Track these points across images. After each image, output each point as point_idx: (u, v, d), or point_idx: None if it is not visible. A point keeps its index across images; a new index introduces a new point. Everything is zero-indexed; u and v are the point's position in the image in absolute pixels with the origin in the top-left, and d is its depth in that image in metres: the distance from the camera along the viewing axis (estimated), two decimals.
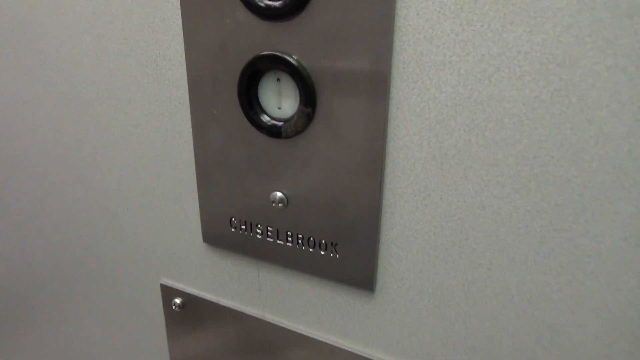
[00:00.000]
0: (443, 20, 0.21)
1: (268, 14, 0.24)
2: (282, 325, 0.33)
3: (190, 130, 0.30)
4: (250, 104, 0.26)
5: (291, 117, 0.26)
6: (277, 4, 0.24)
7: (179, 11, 0.28)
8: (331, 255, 0.28)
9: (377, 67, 0.23)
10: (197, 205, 0.32)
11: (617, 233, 0.21)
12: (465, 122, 0.23)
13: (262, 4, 0.24)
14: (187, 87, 0.29)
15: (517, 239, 0.23)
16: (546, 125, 0.21)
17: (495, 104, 0.22)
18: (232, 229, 0.31)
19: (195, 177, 0.32)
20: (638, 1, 0.18)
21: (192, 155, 0.31)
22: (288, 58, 0.25)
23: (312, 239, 0.29)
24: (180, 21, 0.28)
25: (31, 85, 0.37)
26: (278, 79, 0.26)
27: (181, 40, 0.28)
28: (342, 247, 0.28)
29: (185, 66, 0.29)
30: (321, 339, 0.31)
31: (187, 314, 0.36)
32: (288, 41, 0.24)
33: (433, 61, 0.22)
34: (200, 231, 0.33)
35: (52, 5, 0.33)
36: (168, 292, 0.37)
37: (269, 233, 0.30)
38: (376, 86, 0.23)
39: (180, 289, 0.36)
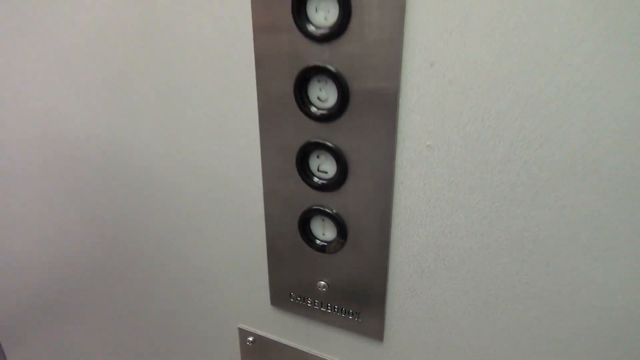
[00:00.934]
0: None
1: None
2: (320, 356, 0.50)
3: (265, 243, 0.48)
4: (306, 234, 0.44)
5: (332, 241, 0.43)
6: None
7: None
8: (355, 319, 0.46)
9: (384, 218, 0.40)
10: (267, 283, 0.50)
11: None
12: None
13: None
14: (264, 225, 0.47)
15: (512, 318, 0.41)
16: None
17: None
18: (291, 300, 0.48)
19: (267, 263, 0.49)
20: None
21: (265, 243, 0.48)
22: (328, 210, 0.42)
23: (343, 309, 0.46)
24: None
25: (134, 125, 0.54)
26: (323, 219, 0.43)
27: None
28: (363, 315, 0.45)
29: (262, 189, 0.46)
30: None
31: (257, 347, 0.54)
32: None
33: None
34: (269, 298, 0.50)
35: None
36: (244, 333, 0.54)
37: (315, 304, 0.47)
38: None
39: (253, 331, 0.54)
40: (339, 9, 0.34)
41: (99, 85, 0.48)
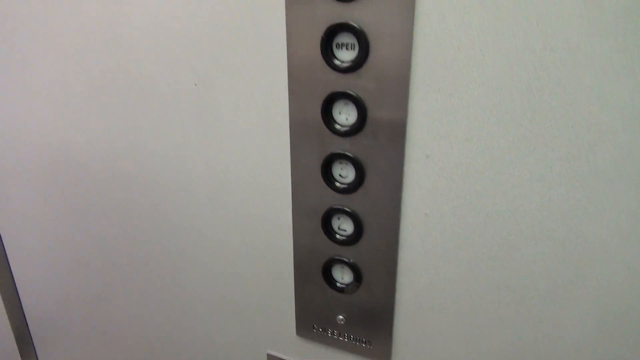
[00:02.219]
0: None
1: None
2: None
3: (293, 284, 0.58)
4: (328, 278, 0.55)
5: (349, 284, 0.54)
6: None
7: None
8: (368, 346, 0.57)
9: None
10: (294, 316, 0.60)
11: None
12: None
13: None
14: (292, 262, 0.57)
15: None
16: None
17: None
18: (314, 330, 0.59)
19: (294, 299, 0.60)
20: None
21: (293, 284, 0.59)
22: (346, 260, 0.53)
23: (357, 337, 0.57)
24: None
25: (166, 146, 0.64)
26: (342, 267, 0.54)
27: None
28: (374, 342, 0.56)
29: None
30: None
31: None
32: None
33: None
34: (295, 329, 0.61)
35: None
36: (272, 359, 0.65)
37: (334, 334, 0.58)
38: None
39: (280, 357, 0.64)
40: (357, 113, 0.45)
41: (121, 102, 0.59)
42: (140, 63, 0.54)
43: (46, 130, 0.64)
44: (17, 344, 0.84)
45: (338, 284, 0.55)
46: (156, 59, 0.53)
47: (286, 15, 0.45)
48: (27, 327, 0.86)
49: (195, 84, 0.52)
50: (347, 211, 0.50)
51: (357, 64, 0.44)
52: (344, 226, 0.52)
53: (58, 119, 0.63)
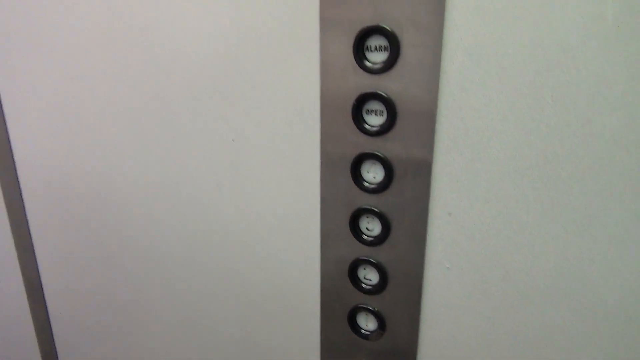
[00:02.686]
0: None
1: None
2: None
3: (318, 335, 0.61)
4: (354, 326, 0.58)
5: (373, 332, 0.57)
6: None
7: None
8: None
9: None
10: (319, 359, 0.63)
11: None
12: None
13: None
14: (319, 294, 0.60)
15: None
16: None
17: None
18: None
19: (319, 336, 0.62)
20: None
21: (319, 335, 0.62)
22: (371, 308, 0.56)
23: None
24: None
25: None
26: (367, 315, 0.57)
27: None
28: None
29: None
30: None
31: None
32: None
33: None
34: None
35: None
36: None
37: None
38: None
39: None
40: (385, 172, 0.49)
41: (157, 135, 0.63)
42: (184, 119, 0.59)
43: (88, 165, 0.69)
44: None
45: (363, 331, 0.58)
46: (198, 116, 0.57)
47: (320, 84, 0.49)
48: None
49: (233, 139, 0.57)
50: (372, 262, 0.53)
51: (384, 129, 0.48)
52: (370, 276, 0.55)
53: (100, 158, 0.67)
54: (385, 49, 0.46)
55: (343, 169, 0.51)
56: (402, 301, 0.54)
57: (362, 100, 0.48)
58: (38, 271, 0.83)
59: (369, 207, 0.51)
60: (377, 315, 0.55)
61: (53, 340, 0.87)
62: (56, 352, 0.88)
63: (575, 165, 0.42)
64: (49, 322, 0.86)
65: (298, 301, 0.61)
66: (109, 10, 0.58)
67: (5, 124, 0.73)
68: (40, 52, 0.65)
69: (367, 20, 0.45)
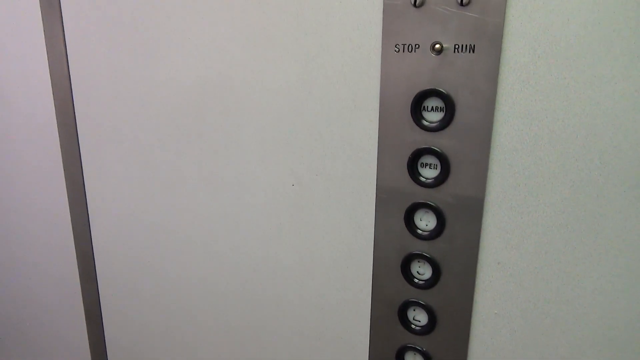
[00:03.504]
0: None
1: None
2: None
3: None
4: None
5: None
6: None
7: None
8: None
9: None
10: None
11: None
12: None
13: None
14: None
15: None
16: None
17: None
18: None
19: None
20: None
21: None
22: (418, 347, 0.58)
23: None
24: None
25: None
26: (414, 354, 0.60)
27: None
28: None
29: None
30: None
31: None
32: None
33: None
34: None
35: None
36: None
37: None
38: None
39: None
40: (437, 221, 0.53)
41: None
42: (252, 164, 0.64)
43: (154, 200, 0.75)
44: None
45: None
46: (263, 162, 0.62)
47: (378, 139, 0.54)
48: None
49: (293, 184, 0.62)
50: (422, 304, 0.57)
51: (438, 181, 0.52)
52: (419, 317, 0.58)
53: (168, 194, 0.73)
54: (441, 109, 0.50)
55: (397, 216, 0.55)
56: (449, 344, 0.56)
57: (417, 154, 0.52)
58: (99, 300, 0.89)
59: (420, 253, 0.55)
60: (425, 355, 0.58)
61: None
62: None
63: (624, 224, 0.44)
64: (105, 347, 0.91)
65: (348, 337, 0.64)
66: (188, 69, 0.64)
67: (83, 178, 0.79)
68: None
69: (425, 83, 0.50)
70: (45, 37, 0.75)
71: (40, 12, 0.74)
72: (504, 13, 0.45)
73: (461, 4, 0.46)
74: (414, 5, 0.48)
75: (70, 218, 0.83)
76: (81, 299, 0.89)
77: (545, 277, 0.49)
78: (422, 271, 0.56)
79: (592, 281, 0.47)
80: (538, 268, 0.49)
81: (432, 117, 0.51)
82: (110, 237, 0.81)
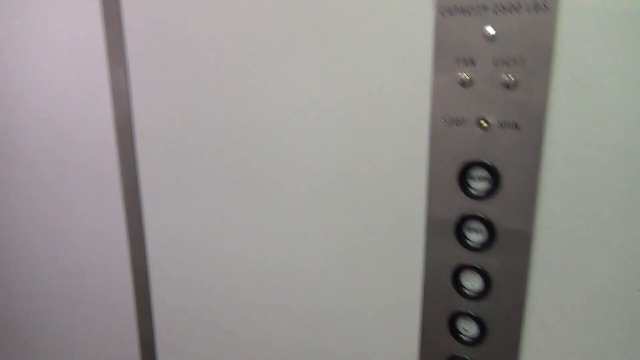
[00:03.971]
0: None
1: None
2: None
3: None
4: None
5: None
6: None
7: None
8: None
9: None
10: None
11: None
12: None
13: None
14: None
15: None
16: None
17: None
18: None
19: None
20: None
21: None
22: None
23: None
24: None
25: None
26: None
27: None
28: None
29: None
30: None
31: None
32: None
33: None
34: None
35: None
36: None
37: None
38: None
39: None
40: (482, 283, 0.55)
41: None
42: (303, 219, 0.68)
43: (208, 245, 0.80)
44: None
45: None
46: (313, 220, 0.67)
47: (427, 206, 0.57)
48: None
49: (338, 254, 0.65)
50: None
51: (484, 246, 0.54)
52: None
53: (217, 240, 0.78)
54: (487, 179, 0.53)
55: (444, 277, 0.58)
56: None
57: (463, 220, 0.55)
58: (153, 332, 0.94)
59: (466, 311, 0.57)
60: None
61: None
62: None
63: None
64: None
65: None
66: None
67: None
68: None
69: (472, 153, 0.53)
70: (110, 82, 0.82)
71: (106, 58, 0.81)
72: (547, 96, 0.48)
73: (507, 87, 0.49)
74: (462, 85, 0.51)
75: (129, 255, 0.89)
76: (136, 330, 0.94)
77: (592, 344, 0.51)
78: (468, 328, 0.59)
79: (630, 343, 0.49)
80: (583, 333, 0.51)
81: (478, 185, 0.54)
82: (169, 274, 0.87)
